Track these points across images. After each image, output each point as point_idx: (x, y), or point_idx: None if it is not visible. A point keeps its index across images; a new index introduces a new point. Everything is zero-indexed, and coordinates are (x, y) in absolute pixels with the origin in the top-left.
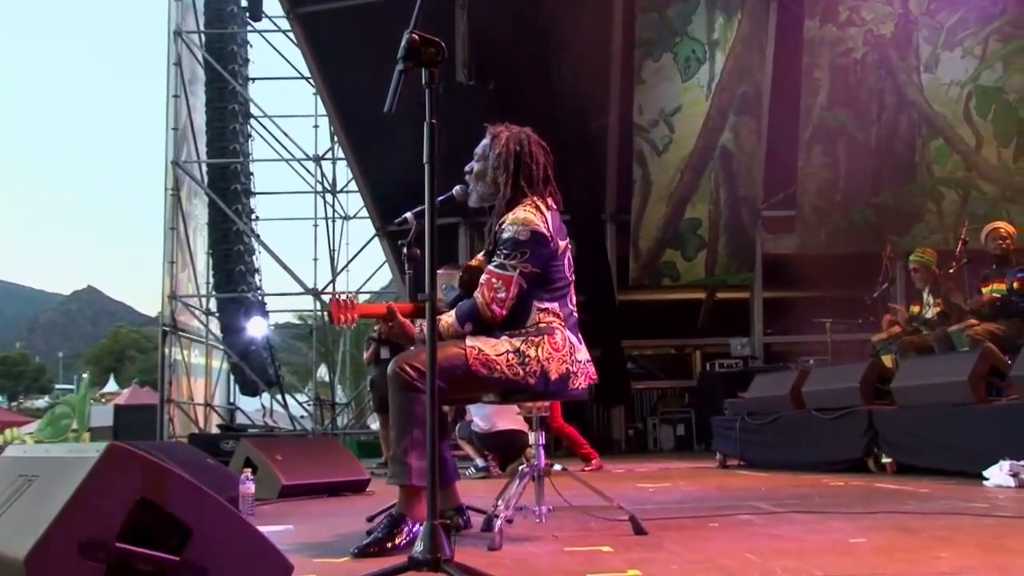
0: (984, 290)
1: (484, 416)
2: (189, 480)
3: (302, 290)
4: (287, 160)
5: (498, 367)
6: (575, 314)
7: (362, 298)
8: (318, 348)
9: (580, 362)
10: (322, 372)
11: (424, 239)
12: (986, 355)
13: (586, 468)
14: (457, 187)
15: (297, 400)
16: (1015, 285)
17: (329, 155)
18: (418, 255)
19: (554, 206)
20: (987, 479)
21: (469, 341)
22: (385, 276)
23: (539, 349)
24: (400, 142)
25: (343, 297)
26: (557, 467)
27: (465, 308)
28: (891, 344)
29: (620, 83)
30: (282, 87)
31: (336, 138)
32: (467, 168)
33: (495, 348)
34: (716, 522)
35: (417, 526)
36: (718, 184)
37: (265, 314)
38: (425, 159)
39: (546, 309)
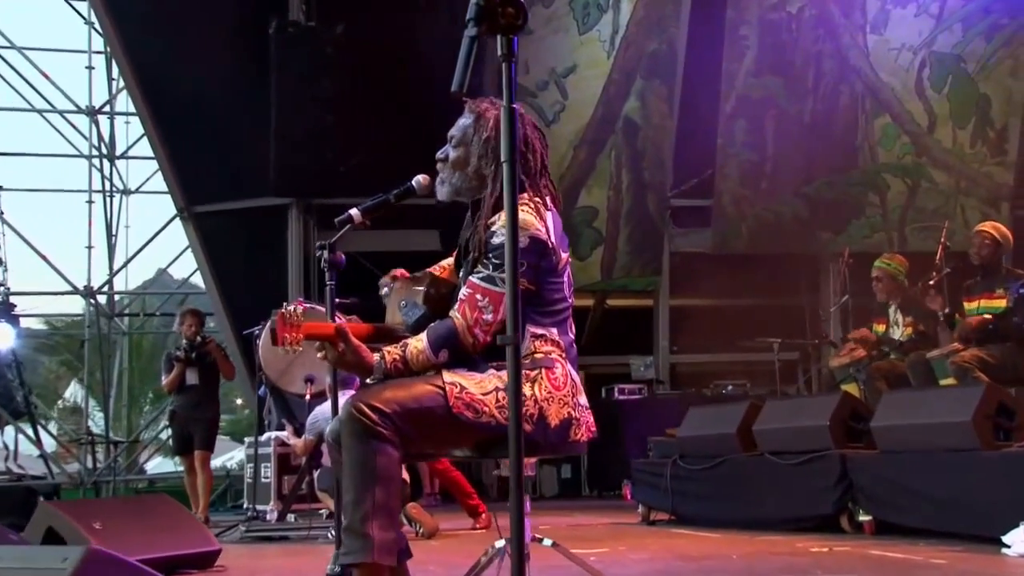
0: (968, 306)
1: None
2: None
3: (69, 288)
4: (45, 112)
5: (485, 409)
6: (575, 346)
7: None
8: (79, 365)
9: (582, 407)
10: (75, 394)
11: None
12: (992, 391)
13: (477, 526)
14: (419, 176)
15: (52, 434)
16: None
17: (108, 108)
18: (398, 278)
19: (552, 207)
20: (1008, 546)
21: (447, 376)
22: (186, 267)
23: (536, 386)
24: (224, 96)
25: (290, 309)
26: (547, 542)
27: (440, 331)
28: (858, 371)
29: None
30: (41, 9)
31: (123, 85)
32: (439, 154)
33: (480, 385)
34: None
35: None
36: (620, 165)
37: (13, 320)
38: (504, 157)
39: (543, 336)
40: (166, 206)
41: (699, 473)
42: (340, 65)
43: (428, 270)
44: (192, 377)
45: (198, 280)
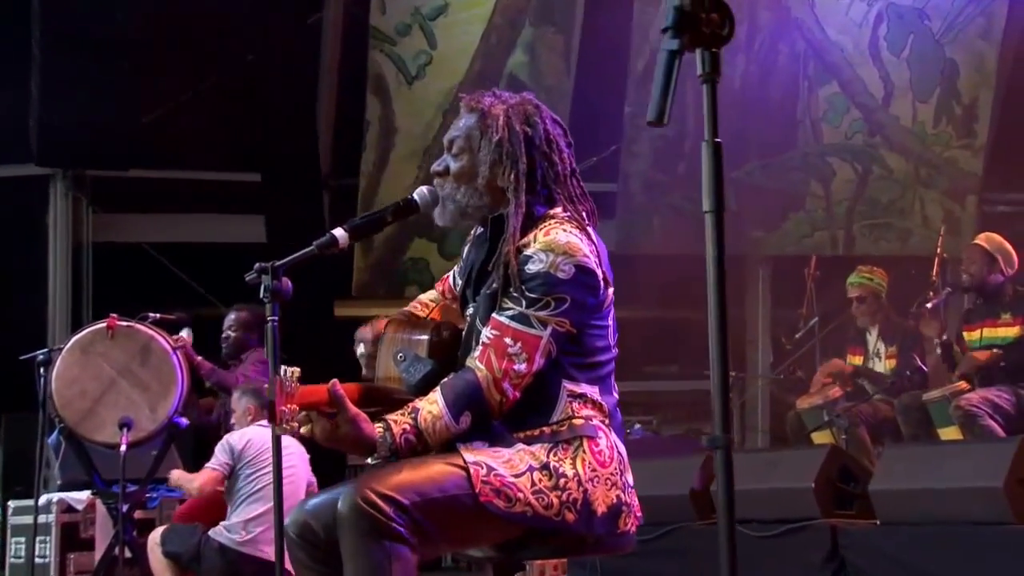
0: (968, 337)
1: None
2: None
3: None
4: None
5: (520, 496)
6: (619, 409)
7: None
8: None
9: (630, 488)
10: None
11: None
12: None
13: None
14: (424, 189)
15: None
16: None
17: None
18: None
19: (591, 222)
20: None
21: (469, 454)
22: None
23: (578, 463)
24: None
25: (289, 374)
26: None
27: (460, 388)
28: (838, 416)
29: None
30: None
31: None
32: (436, 166)
33: (510, 465)
34: None
35: None
36: None
37: None
38: (707, 206)
39: (583, 396)
40: None
41: (639, 546)
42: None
43: (411, 310)
44: None
45: None
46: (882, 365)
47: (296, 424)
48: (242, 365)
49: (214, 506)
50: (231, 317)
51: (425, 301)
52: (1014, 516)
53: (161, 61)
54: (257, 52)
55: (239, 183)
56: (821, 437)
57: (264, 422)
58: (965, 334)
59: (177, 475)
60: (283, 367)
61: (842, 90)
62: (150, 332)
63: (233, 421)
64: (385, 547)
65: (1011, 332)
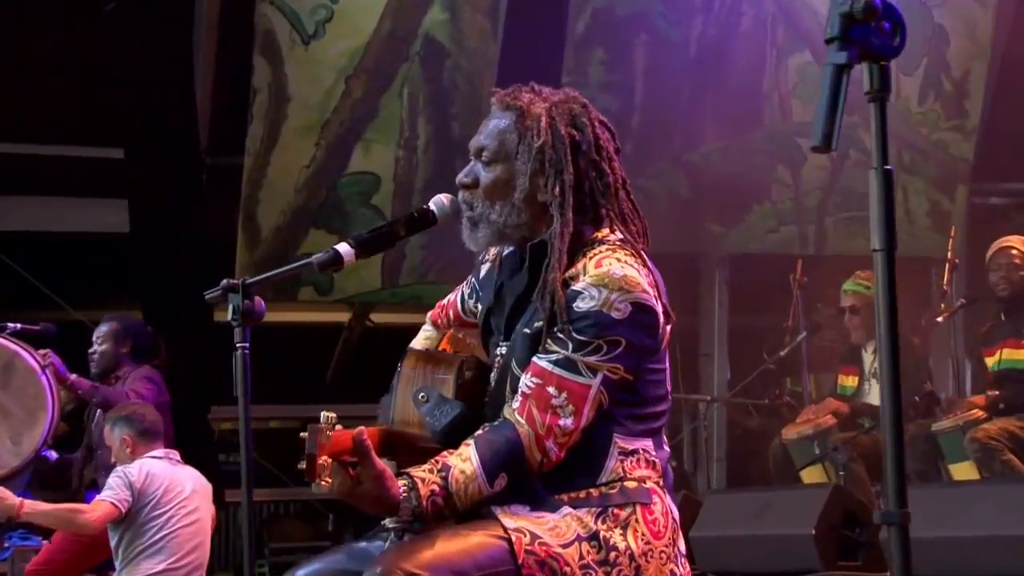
0: (988, 361)
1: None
2: None
3: None
4: None
5: (567, 570)
6: (670, 470)
7: None
8: None
9: (682, 556)
10: None
11: None
12: None
13: None
14: (443, 197)
15: None
16: None
17: None
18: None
19: (643, 242)
20: None
21: (509, 520)
22: None
23: (629, 535)
24: None
25: (326, 422)
26: None
27: (499, 446)
28: (835, 449)
29: None
30: None
31: None
32: (463, 176)
33: (557, 532)
34: None
35: None
36: (416, 109)
37: None
38: (877, 244)
39: (635, 452)
40: None
41: None
42: None
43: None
44: None
45: None
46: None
47: (330, 480)
48: (125, 382)
49: (80, 556)
50: (101, 329)
51: (428, 335)
52: None
53: None
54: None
55: (96, 160)
56: (812, 474)
57: (157, 453)
58: (987, 358)
59: (55, 510)
60: (322, 412)
61: (815, 60)
62: (13, 347)
63: (113, 459)
64: None
65: None
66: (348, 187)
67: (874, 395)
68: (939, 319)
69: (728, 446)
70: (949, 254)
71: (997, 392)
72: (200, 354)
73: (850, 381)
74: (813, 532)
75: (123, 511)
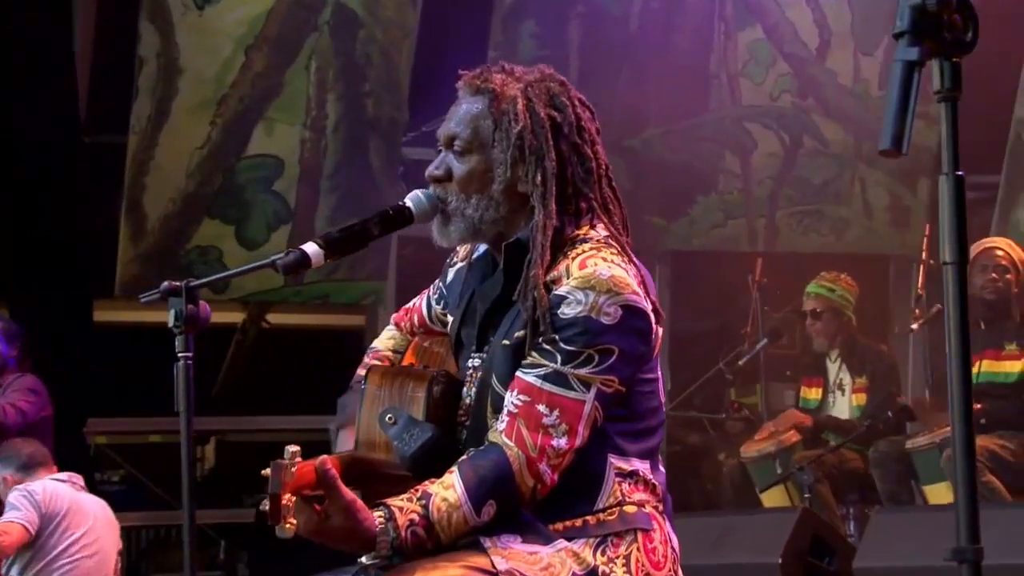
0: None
1: None
2: None
3: None
4: None
5: None
6: (669, 495)
7: None
8: None
9: None
10: None
11: None
12: None
13: None
14: (419, 193)
15: None
16: None
17: None
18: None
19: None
20: None
21: (499, 558)
22: None
23: (632, 565)
24: None
25: (288, 457)
26: None
27: (484, 472)
28: (800, 468)
29: None
30: None
31: None
32: (434, 168)
33: (550, 571)
34: None
35: None
36: (325, 85)
37: None
38: (948, 257)
39: (633, 474)
40: None
41: None
42: None
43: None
44: None
45: None
46: (846, 401)
47: (295, 522)
48: (5, 393)
49: None
50: None
51: (384, 354)
52: None
53: None
54: None
55: None
56: (774, 496)
57: (60, 476)
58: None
59: None
60: (286, 447)
61: (767, 36)
62: None
63: None
64: None
65: (1017, 366)
66: (247, 172)
67: (839, 408)
68: (914, 326)
69: (667, 465)
70: (924, 254)
71: (979, 406)
72: (77, 359)
73: (813, 393)
74: (780, 561)
75: (32, 534)
